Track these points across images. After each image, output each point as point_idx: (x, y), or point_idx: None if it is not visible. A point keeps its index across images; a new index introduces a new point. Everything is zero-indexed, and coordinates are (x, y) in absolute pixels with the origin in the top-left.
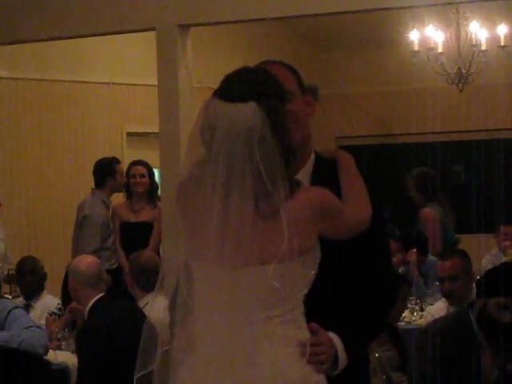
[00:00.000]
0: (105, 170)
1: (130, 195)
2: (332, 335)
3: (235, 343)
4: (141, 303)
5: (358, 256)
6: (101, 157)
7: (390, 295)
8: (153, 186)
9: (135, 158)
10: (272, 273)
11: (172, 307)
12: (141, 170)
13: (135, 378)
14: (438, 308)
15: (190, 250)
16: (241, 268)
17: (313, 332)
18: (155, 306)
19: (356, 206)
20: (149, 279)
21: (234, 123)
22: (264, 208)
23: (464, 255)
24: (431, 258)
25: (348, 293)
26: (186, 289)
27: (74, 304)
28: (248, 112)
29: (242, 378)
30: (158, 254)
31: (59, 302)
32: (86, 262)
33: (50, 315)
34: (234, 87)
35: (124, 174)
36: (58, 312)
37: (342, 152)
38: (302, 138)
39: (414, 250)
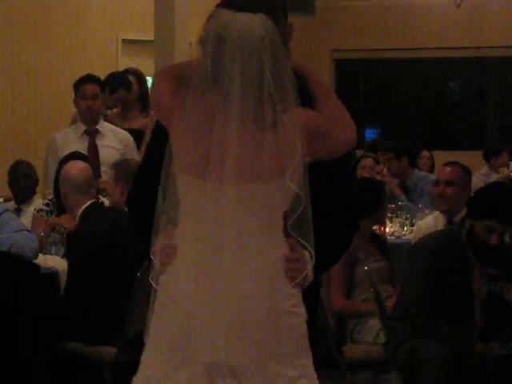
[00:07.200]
0: (117, 82)
1: (122, 104)
2: (304, 252)
3: (221, 250)
4: None
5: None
6: (95, 63)
7: (353, 218)
8: (143, 93)
9: (130, 66)
10: (265, 188)
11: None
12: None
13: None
14: (427, 223)
15: (181, 162)
16: (234, 183)
17: (291, 247)
18: None
19: (341, 124)
20: None
21: (246, 31)
22: (265, 119)
23: (467, 170)
24: (417, 172)
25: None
26: (169, 200)
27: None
28: (259, 22)
29: (228, 273)
30: None
31: (49, 198)
32: (77, 167)
33: (38, 212)
34: None
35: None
36: (45, 208)
37: (307, 65)
38: None
39: (382, 167)
